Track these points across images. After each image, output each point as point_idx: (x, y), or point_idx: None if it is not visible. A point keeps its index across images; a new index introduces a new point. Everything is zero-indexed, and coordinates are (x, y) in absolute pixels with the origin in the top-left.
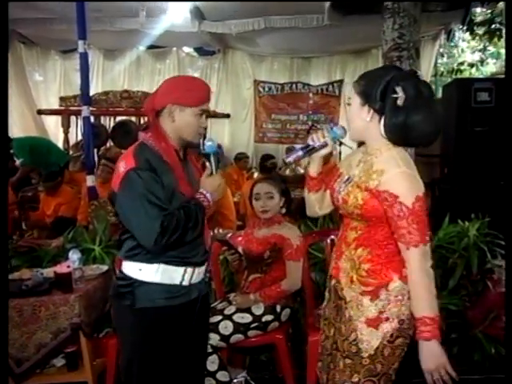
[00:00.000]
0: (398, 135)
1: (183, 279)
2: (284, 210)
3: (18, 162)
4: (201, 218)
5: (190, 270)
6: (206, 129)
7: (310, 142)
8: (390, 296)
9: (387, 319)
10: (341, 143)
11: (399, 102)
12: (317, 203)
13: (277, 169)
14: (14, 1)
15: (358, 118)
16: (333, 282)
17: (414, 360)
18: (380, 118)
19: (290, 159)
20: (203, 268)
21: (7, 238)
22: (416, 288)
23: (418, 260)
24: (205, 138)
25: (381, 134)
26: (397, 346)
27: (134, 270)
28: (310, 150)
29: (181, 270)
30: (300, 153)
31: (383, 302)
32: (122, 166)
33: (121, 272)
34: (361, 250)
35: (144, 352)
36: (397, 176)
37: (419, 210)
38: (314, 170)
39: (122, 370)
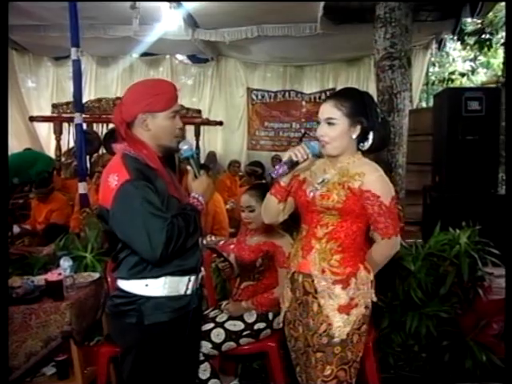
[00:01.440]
0: (382, 144)
1: (187, 288)
2: None
3: (14, 182)
4: (198, 223)
5: (193, 277)
6: (181, 129)
7: (294, 158)
8: (359, 284)
9: (356, 305)
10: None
11: (380, 120)
12: (281, 211)
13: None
14: (14, 0)
15: (345, 136)
16: (300, 277)
17: None
18: (364, 134)
19: (278, 174)
20: (201, 274)
21: (7, 242)
22: (374, 266)
23: (388, 248)
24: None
25: (355, 147)
26: (362, 333)
27: (139, 286)
28: (294, 165)
29: (185, 279)
30: (285, 168)
31: (353, 289)
32: (114, 180)
33: (120, 290)
34: (332, 242)
35: (150, 365)
36: (377, 179)
37: (394, 208)
38: (285, 181)
39: (126, 380)
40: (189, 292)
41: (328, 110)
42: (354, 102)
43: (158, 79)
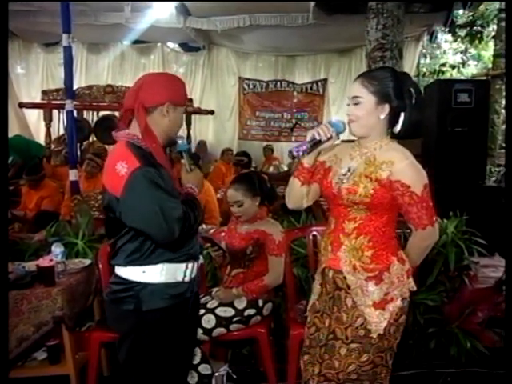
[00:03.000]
0: (412, 130)
1: (185, 275)
2: (262, 208)
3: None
4: (201, 210)
5: (190, 264)
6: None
7: (317, 136)
8: (393, 278)
9: (392, 299)
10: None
11: (413, 101)
12: (305, 196)
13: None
14: (14, 0)
15: (372, 116)
16: (330, 273)
17: None
18: (391, 115)
19: (298, 153)
20: (199, 262)
21: (7, 232)
22: (414, 258)
23: (424, 239)
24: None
25: (385, 129)
26: (400, 324)
27: (137, 273)
28: (316, 143)
29: (183, 266)
30: (307, 146)
31: (387, 284)
32: (124, 167)
33: (117, 277)
34: (361, 238)
35: (148, 351)
36: (407, 167)
37: (427, 197)
38: (309, 162)
39: (123, 368)
40: (187, 279)
41: (355, 88)
42: (383, 80)
43: (177, 76)
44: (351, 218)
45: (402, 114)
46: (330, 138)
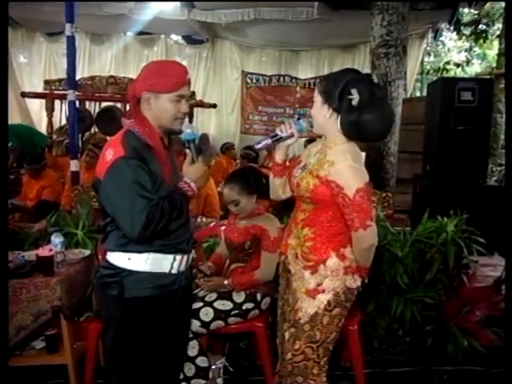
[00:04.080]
0: (351, 132)
1: (172, 267)
2: (260, 203)
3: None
4: (185, 208)
5: (178, 257)
6: (185, 114)
7: (278, 132)
8: (327, 271)
9: (323, 291)
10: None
11: (354, 103)
12: (280, 188)
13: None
14: (14, 0)
15: (320, 115)
16: (282, 257)
17: None
18: (337, 116)
19: (259, 146)
20: (191, 256)
21: (7, 223)
22: (357, 258)
23: (358, 241)
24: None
25: (338, 130)
26: (335, 316)
27: (123, 259)
28: (277, 139)
29: (170, 257)
30: (268, 141)
31: (321, 276)
32: (110, 154)
33: (107, 262)
34: (306, 229)
35: (131, 339)
36: (343, 169)
37: (359, 201)
38: (279, 157)
39: (107, 355)
40: (174, 271)
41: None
42: (329, 81)
43: (173, 62)
44: (302, 210)
45: (338, 116)
46: (291, 136)
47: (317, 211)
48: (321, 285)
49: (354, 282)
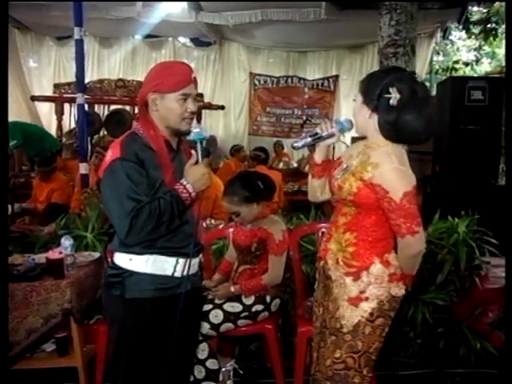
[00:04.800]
0: (389, 132)
1: (175, 270)
2: (264, 205)
3: (10, 144)
4: (177, 210)
5: (182, 260)
6: (193, 114)
7: (319, 131)
8: (371, 278)
9: (367, 299)
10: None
11: (392, 102)
12: (319, 189)
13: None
14: (14, 0)
15: (360, 115)
16: (321, 263)
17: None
18: (376, 116)
19: (299, 144)
20: (197, 260)
21: (7, 226)
22: (401, 265)
23: (404, 248)
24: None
25: (377, 131)
26: (377, 326)
27: (125, 260)
28: (317, 138)
29: (172, 260)
30: (308, 139)
31: (364, 283)
32: (109, 155)
33: (112, 262)
34: (348, 234)
35: (132, 341)
36: (389, 172)
37: (406, 205)
38: (318, 157)
39: (112, 356)
40: (177, 274)
41: (349, 84)
42: (370, 80)
43: (176, 62)
44: (343, 213)
45: (376, 115)
46: (332, 135)
47: (359, 215)
48: (364, 292)
49: (400, 290)
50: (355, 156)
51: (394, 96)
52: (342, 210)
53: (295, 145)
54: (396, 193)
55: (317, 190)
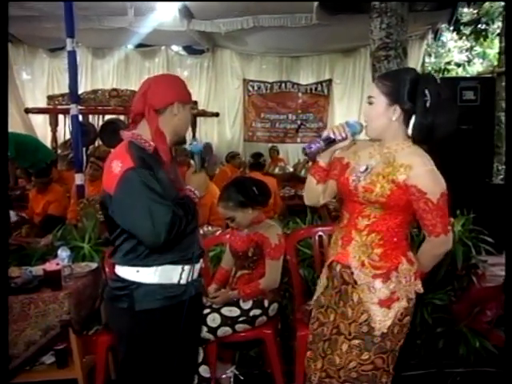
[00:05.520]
0: (422, 134)
1: (181, 278)
2: (259, 211)
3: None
4: (195, 213)
5: (187, 267)
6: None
7: (331, 135)
8: (400, 277)
9: (398, 299)
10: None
11: (428, 104)
12: (322, 193)
13: (266, 167)
14: (14, 0)
15: (383, 117)
16: (338, 267)
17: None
18: (405, 118)
19: (312, 150)
20: (199, 265)
21: (7, 237)
22: (425, 264)
23: (437, 246)
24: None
25: (402, 133)
26: (404, 324)
27: (131, 272)
28: (330, 142)
29: (178, 268)
30: (321, 144)
31: (394, 283)
32: (118, 166)
33: (115, 275)
34: (373, 235)
35: (142, 352)
36: (426, 173)
37: (443, 205)
38: (325, 160)
39: (120, 368)
40: (183, 282)
41: (371, 87)
42: (397, 80)
43: (174, 75)
44: (365, 215)
45: (413, 118)
46: (344, 138)
47: (386, 216)
48: (395, 293)
49: (420, 286)
50: (367, 157)
51: (429, 97)
52: (362, 212)
53: (308, 150)
54: (434, 194)
55: (320, 194)
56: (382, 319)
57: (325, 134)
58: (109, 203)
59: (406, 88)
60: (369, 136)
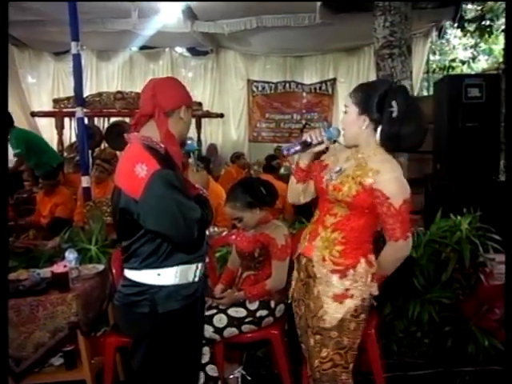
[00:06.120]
0: (390, 143)
1: (195, 275)
2: (266, 211)
3: (13, 152)
4: (211, 209)
5: (200, 265)
6: None
7: (308, 139)
8: (356, 276)
9: (351, 296)
10: (335, 141)
11: (394, 115)
12: (302, 193)
13: (281, 170)
14: (14, 0)
15: (355, 126)
16: (303, 260)
17: None
18: (375, 127)
19: (289, 152)
20: (206, 261)
21: (7, 240)
22: (385, 267)
23: (394, 251)
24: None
25: (374, 141)
26: (361, 321)
27: (152, 276)
28: (307, 146)
29: (193, 266)
30: (298, 147)
31: (350, 281)
32: (144, 170)
33: (129, 281)
34: (337, 233)
35: (163, 353)
36: (391, 180)
37: (404, 212)
38: (304, 162)
39: (138, 371)
40: (196, 279)
41: (346, 98)
42: (367, 92)
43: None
44: (332, 213)
45: (379, 128)
46: (320, 143)
47: (350, 216)
48: (349, 290)
49: (376, 289)
50: (343, 160)
51: (396, 109)
52: (331, 210)
53: (285, 152)
54: (397, 199)
55: (300, 193)
56: (333, 313)
57: (303, 137)
58: (133, 208)
59: (374, 100)
60: (345, 142)
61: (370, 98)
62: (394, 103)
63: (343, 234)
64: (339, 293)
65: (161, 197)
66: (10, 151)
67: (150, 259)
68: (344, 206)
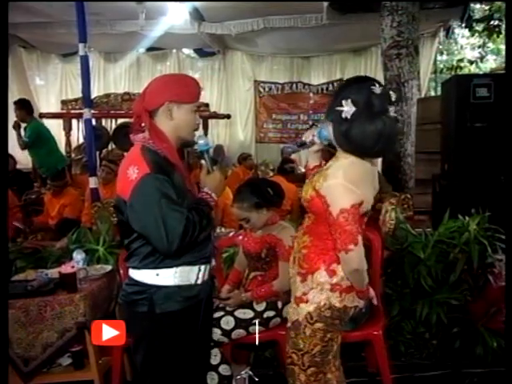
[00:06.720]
0: (342, 144)
1: (198, 278)
2: (273, 212)
3: (24, 139)
4: (211, 217)
5: (203, 267)
6: (198, 125)
7: (303, 138)
8: (313, 283)
9: (307, 301)
10: (330, 143)
11: (344, 115)
12: None
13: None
14: (14, 0)
15: (326, 128)
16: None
17: None
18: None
19: (289, 150)
20: (212, 264)
21: (7, 240)
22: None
23: (343, 263)
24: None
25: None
26: (317, 329)
27: (151, 276)
28: (301, 145)
29: (195, 268)
30: (295, 147)
31: (307, 286)
32: (134, 172)
33: (131, 279)
34: (306, 237)
35: (162, 354)
36: (332, 186)
37: (342, 222)
38: (310, 162)
39: (140, 372)
40: (199, 282)
41: None
42: (335, 93)
43: (186, 75)
44: (307, 217)
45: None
46: (313, 143)
47: (316, 221)
48: (306, 294)
49: (342, 301)
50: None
51: (347, 109)
52: (308, 214)
53: (286, 150)
54: (334, 208)
55: None
56: (291, 313)
57: (302, 138)
58: (124, 208)
59: (333, 99)
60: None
61: (334, 99)
62: (345, 102)
63: (311, 239)
64: (298, 295)
65: (145, 202)
66: (18, 150)
67: (149, 259)
68: (308, 210)
